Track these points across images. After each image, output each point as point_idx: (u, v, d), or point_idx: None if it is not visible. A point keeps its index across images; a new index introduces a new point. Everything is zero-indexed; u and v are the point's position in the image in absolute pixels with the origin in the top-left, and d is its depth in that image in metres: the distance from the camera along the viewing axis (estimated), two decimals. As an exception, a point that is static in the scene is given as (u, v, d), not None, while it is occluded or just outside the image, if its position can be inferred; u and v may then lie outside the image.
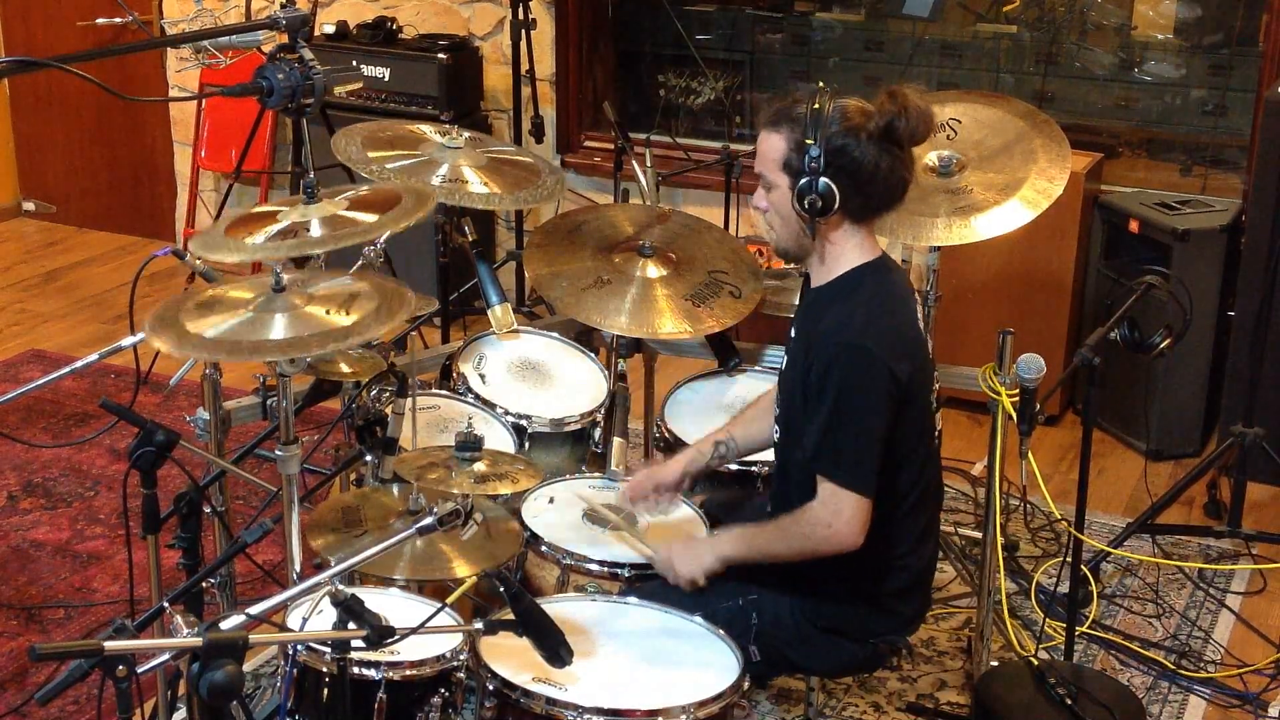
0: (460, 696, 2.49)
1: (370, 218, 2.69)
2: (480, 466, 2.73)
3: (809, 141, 2.47)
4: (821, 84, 2.55)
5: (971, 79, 5.39)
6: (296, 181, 3.12)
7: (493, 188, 3.23)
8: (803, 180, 2.48)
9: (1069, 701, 2.84)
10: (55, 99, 6.47)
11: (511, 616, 2.22)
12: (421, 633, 2.17)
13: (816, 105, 2.49)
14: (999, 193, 3.24)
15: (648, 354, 3.63)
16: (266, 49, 3.35)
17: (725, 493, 3.11)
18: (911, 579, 2.71)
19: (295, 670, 2.42)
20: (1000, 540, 3.38)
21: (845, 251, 2.58)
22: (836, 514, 2.49)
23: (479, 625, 2.26)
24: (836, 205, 2.49)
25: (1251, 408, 4.00)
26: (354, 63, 5.28)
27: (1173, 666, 3.48)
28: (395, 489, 2.82)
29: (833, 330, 2.52)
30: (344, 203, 2.77)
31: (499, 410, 3.19)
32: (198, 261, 3.05)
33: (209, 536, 2.94)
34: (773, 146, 2.54)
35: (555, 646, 2.22)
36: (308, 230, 2.65)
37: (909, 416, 2.54)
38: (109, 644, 1.79)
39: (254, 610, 2.03)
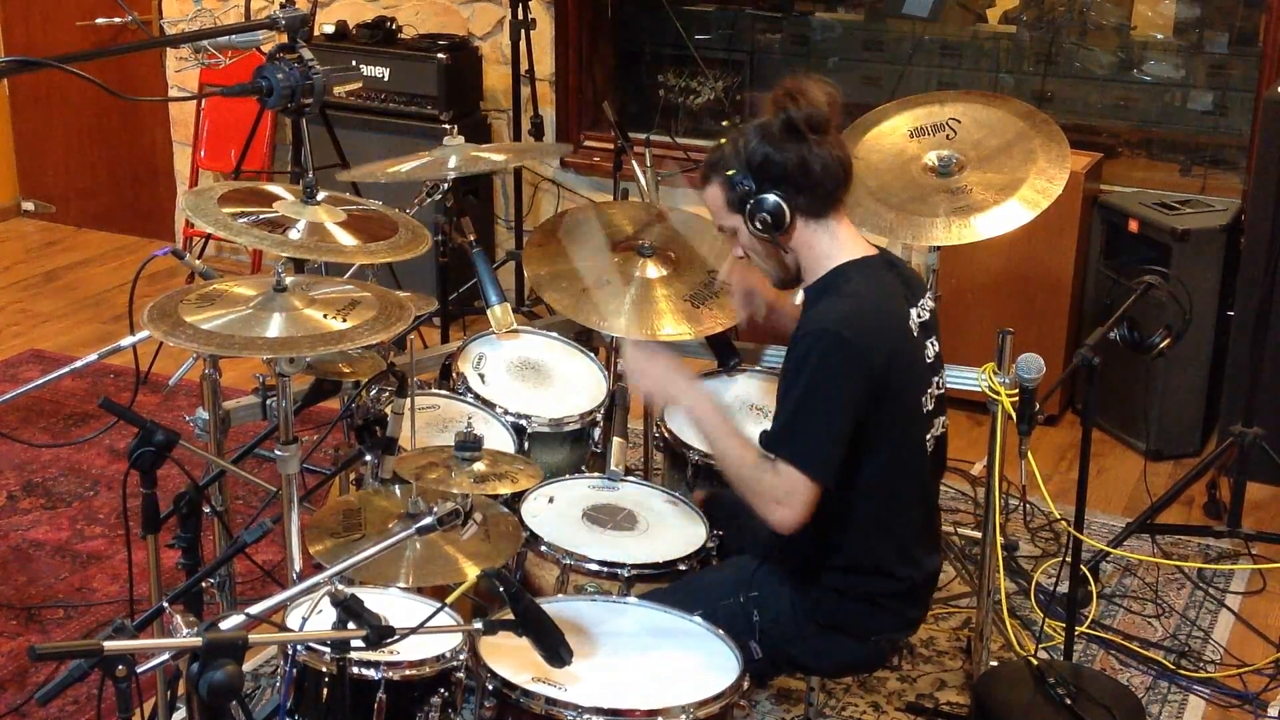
0: (460, 696, 2.49)
1: (351, 241, 2.68)
2: (480, 466, 2.73)
3: (731, 172, 2.57)
4: (726, 122, 2.62)
5: (971, 79, 5.39)
6: (296, 182, 3.13)
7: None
8: (747, 207, 2.56)
9: (1068, 701, 2.84)
10: (55, 99, 6.47)
11: (511, 616, 2.22)
12: (421, 633, 2.17)
13: (724, 140, 2.61)
14: (999, 193, 3.24)
15: (647, 354, 3.63)
16: (266, 49, 3.35)
17: (725, 492, 3.11)
18: (912, 586, 2.72)
19: (295, 670, 2.42)
20: (1000, 540, 3.38)
21: (823, 250, 2.61)
22: (789, 495, 2.51)
23: (478, 625, 2.26)
24: (787, 212, 2.55)
25: (1251, 408, 4.00)
26: (353, 63, 5.27)
27: (1172, 666, 3.48)
28: (396, 489, 2.82)
29: (811, 320, 2.56)
30: (342, 214, 2.77)
31: (499, 410, 3.19)
32: (197, 262, 3.05)
33: (209, 536, 2.94)
34: (714, 196, 2.64)
35: (555, 646, 2.22)
36: (290, 230, 2.66)
37: (887, 409, 2.54)
38: (109, 644, 1.78)
39: (254, 610, 2.03)
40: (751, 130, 2.57)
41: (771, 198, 2.54)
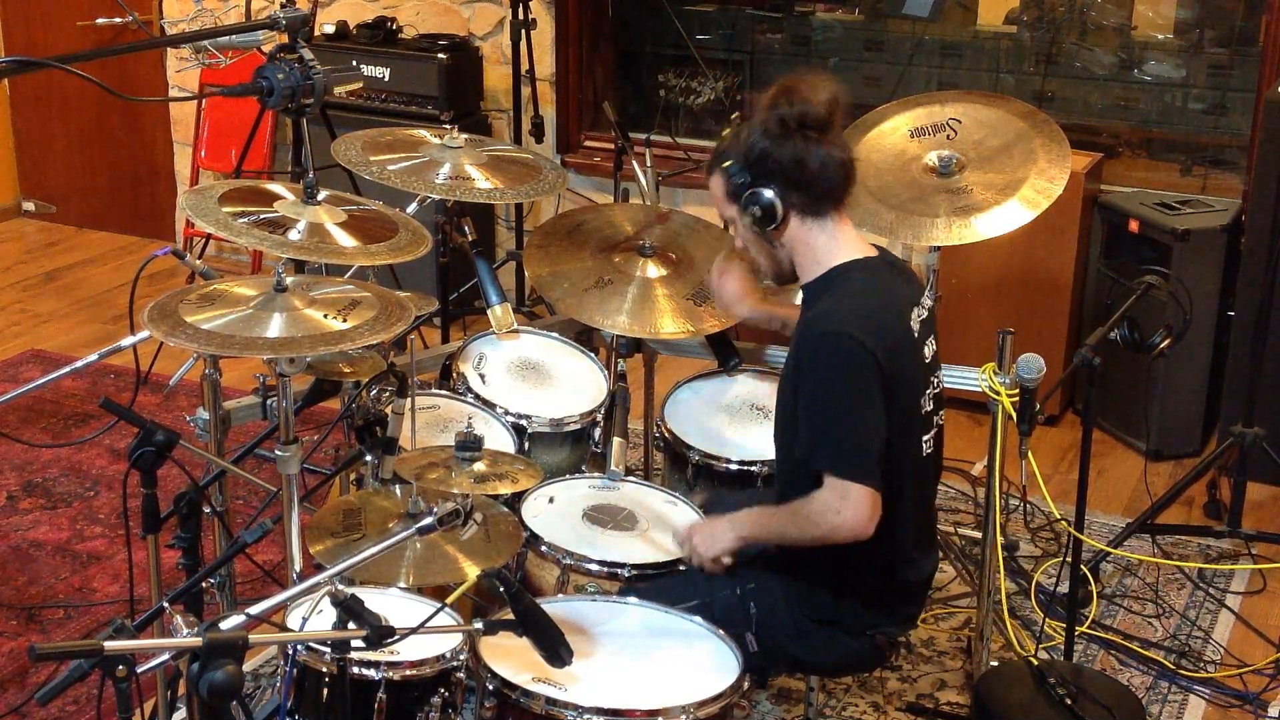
0: (460, 696, 2.49)
1: (351, 242, 2.69)
2: (480, 466, 2.73)
3: (728, 164, 2.59)
4: (735, 115, 2.64)
5: (971, 79, 5.39)
6: (297, 181, 3.14)
7: (496, 183, 3.24)
8: (743, 199, 2.58)
9: (1069, 701, 2.84)
10: (55, 99, 6.47)
11: (511, 616, 2.22)
12: (421, 633, 2.17)
13: (726, 132, 2.57)
14: (999, 193, 3.24)
15: (648, 354, 3.63)
16: (266, 49, 3.35)
17: (725, 493, 3.11)
18: (908, 586, 2.72)
19: (295, 670, 2.42)
20: (1000, 540, 3.38)
21: (820, 249, 2.60)
22: (844, 501, 2.48)
23: (479, 625, 2.26)
24: (780, 208, 2.56)
25: (1251, 408, 4.00)
26: (354, 63, 5.28)
27: (1172, 666, 3.48)
28: (396, 489, 2.82)
29: (815, 321, 2.56)
30: (342, 215, 2.77)
31: (499, 410, 3.19)
32: (197, 262, 3.05)
33: (209, 536, 2.94)
34: (716, 186, 2.66)
35: (555, 646, 2.22)
36: (290, 230, 2.66)
37: (888, 408, 2.53)
38: (109, 644, 1.79)
39: (254, 610, 2.03)
40: (753, 125, 2.58)
41: (765, 192, 2.56)
